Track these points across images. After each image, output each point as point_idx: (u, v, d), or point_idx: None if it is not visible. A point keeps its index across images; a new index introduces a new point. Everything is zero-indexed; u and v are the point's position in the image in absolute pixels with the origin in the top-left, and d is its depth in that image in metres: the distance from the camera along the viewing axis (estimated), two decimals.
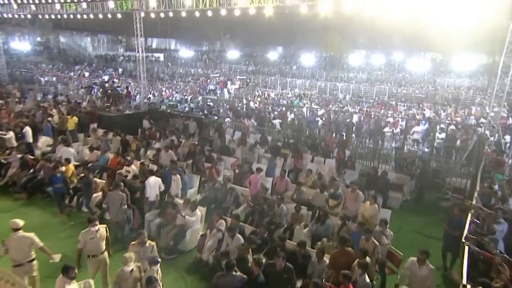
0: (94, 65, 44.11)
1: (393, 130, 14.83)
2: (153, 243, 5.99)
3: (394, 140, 14.45)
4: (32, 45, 45.35)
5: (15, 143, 11.72)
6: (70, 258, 7.07)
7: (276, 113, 17.60)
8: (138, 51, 17.96)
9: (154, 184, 8.66)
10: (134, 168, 10.32)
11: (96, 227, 5.92)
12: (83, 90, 19.81)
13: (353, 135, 14.87)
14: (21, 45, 42.08)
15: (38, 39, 47.49)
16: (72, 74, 31.74)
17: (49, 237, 7.88)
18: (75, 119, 14.11)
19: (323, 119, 16.47)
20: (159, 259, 5.44)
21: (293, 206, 8.19)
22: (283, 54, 58.90)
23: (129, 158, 11.11)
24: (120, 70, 40.98)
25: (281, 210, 8.05)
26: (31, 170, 10.51)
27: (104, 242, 6.04)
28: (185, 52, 53.07)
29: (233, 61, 48.57)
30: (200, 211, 8.02)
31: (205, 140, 13.82)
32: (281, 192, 9.17)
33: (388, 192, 9.67)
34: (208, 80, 28.38)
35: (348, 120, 15.31)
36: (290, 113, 17.62)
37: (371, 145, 14.10)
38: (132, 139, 12.33)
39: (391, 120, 15.98)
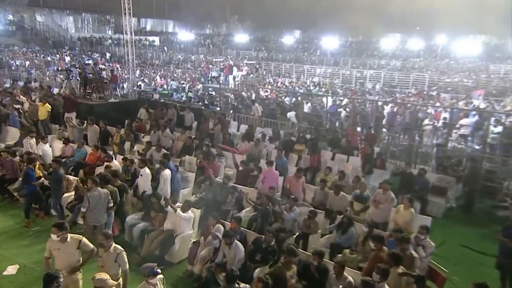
0: (77, 49, 44.43)
1: (434, 123, 14.37)
2: (120, 247, 5.53)
3: (436, 135, 14.00)
4: (2, 24, 45.35)
5: None
6: (31, 269, 6.99)
7: (289, 102, 17.27)
8: (126, 33, 17.83)
9: (148, 177, 8.70)
10: (116, 163, 10.14)
11: (63, 236, 5.35)
12: (59, 74, 19.85)
13: (383, 129, 14.44)
14: None
15: (10, 17, 47.51)
16: (49, 58, 31.92)
17: (7, 245, 7.84)
18: (48, 107, 14.00)
19: (347, 110, 16.10)
20: (159, 270, 5.13)
21: (308, 210, 7.88)
22: (301, 39, 58.72)
23: (111, 152, 11.00)
24: (108, 55, 41.22)
25: (289, 216, 7.77)
26: None
27: (77, 257, 5.47)
28: (185, 35, 52.97)
29: (241, 46, 48.46)
30: (193, 214, 7.75)
31: (204, 134, 13.61)
32: (297, 195, 8.90)
33: (427, 196, 9.26)
34: (210, 66, 28.22)
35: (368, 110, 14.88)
36: (307, 103, 17.29)
37: (406, 142, 13.67)
38: (114, 131, 12.15)
39: (431, 111, 15.51)
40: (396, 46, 44.60)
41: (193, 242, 7.30)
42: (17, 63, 29.93)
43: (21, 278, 6.80)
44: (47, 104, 14.13)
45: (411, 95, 22.56)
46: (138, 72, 28.72)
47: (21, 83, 20.28)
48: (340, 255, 6.85)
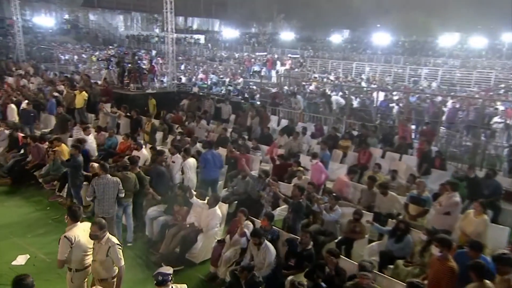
0: (124, 46, 45.47)
1: (506, 120, 12.64)
2: (114, 240, 4.70)
3: (508, 135, 12.28)
4: (59, 23, 47.64)
5: None
6: (40, 261, 6.42)
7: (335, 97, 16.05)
8: (167, 30, 17.37)
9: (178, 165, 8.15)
10: (144, 153, 9.57)
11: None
12: (101, 64, 19.87)
13: (442, 127, 12.89)
14: (46, 20, 44.29)
15: (66, 16, 49.87)
16: (97, 53, 32.64)
17: (23, 233, 7.38)
18: (84, 95, 13.74)
19: (400, 105, 14.64)
20: (171, 277, 4.28)
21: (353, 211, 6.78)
22: (350, 38, 56.85)
23: (141, 141, 10.46)
24: (154, 52, 41.72)
25: (329, 217, 6.72)
26: (21, 151, 10.20)
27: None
28: (230, 33, 52.88)
29: (286, 45, 47.44)
30: (221, 210, 6.88)
31: (241, 127, 12.79)
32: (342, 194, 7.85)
33: (499, 202, 7.80)
34: (252, 60, 27.45)
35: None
36: (356, 98, 16.00)
37: (469, 141, 12.08)
38: (145, 119, 11.59)
39: (501, 108, 13.72)
40: (454, 46, 41.73)
41: (218, 240, 6.43)
42: (66, 57, 30.76)
43: (28, 269, 6.21)
44: (83, 92, 13.91)
45: (474, 92, 20.54)
46: (182, 67, 28.80)
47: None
48: (392, 266, 5.71)
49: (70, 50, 33.79)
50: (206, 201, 6.76)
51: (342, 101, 15.37)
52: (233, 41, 51.27)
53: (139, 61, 16.38)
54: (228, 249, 6.10)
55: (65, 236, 4.59)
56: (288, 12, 58.62)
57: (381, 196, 7.34)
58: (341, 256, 5.54)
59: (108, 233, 4.65)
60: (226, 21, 62.71)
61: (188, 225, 6.69)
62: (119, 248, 4.64)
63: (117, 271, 4.68)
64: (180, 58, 34.45)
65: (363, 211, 6.85)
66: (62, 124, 11.62)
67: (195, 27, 61.90)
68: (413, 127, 13.16)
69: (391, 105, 14.69)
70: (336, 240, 6.50)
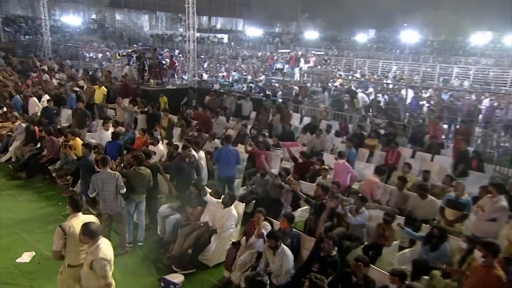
0: (149, 45, 45.79)
1: None
2: (101, 253, 3.90)
3: None
4: (86, 23, 48.63)
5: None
6: (45, 259, 6.02)
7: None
8: (188, 29, 17.04)
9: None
10: (161, 148, 9.19)
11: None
12: (123, 60, 19.69)
13: (477, 126, 12.00)
14: (73, 19, 45.29)
15: (93, 16, 50.84)
16: (121, 51, 32.78)
17: (32, 228, 7.08)
18: (104, 90, 13.57)
19: (431, 103, 13.76)
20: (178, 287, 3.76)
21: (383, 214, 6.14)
22: (375, 38, 55.49)
23: (158, 137, 10.11)
24: (177, 51, 41.73)
25: (354, 220, 6.11)
26: (38, 145, 10.00)
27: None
28: (253, 32, 52.56)
29: (311, 44, 46.60)
30: (237, 210, 6.37)
31: (262, 124, 12.28)
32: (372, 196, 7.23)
33: None
34: (275, 58, 26.81)
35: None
36: (383, 96, 15.21)
37: (508, 143, 11.18)
38: (163, 114, 11.23)
39: None
40: (487, 45, 40.00)
41: (233, 243, 5.91)
42: (91, 55, 31.02)
43: (33, 267, 5.89)
44: (103, 87, 13.72)
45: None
46: (205, 65, 28.50)
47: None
48: (426, 277, 5.07)
49: (95, 48, 34.07)
50: (221, 200, 6.27)
51: (367, 98, 14.66)
52: (256, 40, 50.82)
53: (159, 57, 16.06)
54: (243, 252, 5.57)
55: (59, 226, 4.21)
56: (312, 11, 57.59)
57: (418, 199, 6.66)
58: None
59: (99, 242, 3.95)
60: (250, 21, 62.44)
61: (202, 224, 6.22)
62: (106, 263, 3.88)
63: None
64: (202, 56, 34.27)
65: (395, 214, 6.20)
66: (80, 119, 11.37)
67: (218, 26, 61.74)
68: (445, 126, 12.38)
69: (421, 103, 13.84)
70: (362, 246, 5.90)
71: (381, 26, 56.22)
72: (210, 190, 6.39)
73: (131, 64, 16.93)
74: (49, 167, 9.28)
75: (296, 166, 8.55)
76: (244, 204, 6.72)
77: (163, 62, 16.45)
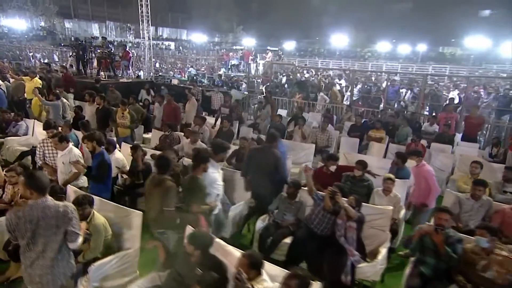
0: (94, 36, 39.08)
1: None
2: None
3: None
4: (34, 29, 40.74)
5: None
6: None
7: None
8: (142, 22, 12.81)
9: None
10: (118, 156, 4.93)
11: None
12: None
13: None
14: (20, 24, 37.18)
15: (42, 24, 42.72)
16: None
17: None
18: (38, 82, 8.65)
19: (414, 91, 10.26)
20: None
21: None
22: (298, 47, 54.21)
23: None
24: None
25: None
26: None
27: None
28: (199, 38, 49.04)
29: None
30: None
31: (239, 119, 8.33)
32: None
33: None
34: (231, 54, 22.60)
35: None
36: (356, 85, 11.81)
37: None
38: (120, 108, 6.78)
39: None
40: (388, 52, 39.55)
41: None
42: (38, 56, 24.24)
43: None
44: (36, 78, 8.76)
45: None
46: (157, 65, 23.43)
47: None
48: None
49: (40, 48, 27.00)
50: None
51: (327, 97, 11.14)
52: (200, 47, 46.77)
53: (110, 45, 11.29)
54: None
55: None
56: (246, 23, 55.88)
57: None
58: None
59: None
60: (192, 31, 58.43)
61: None
62: None
63: None
64: (153, 60, 28.93)
65: None
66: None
67: (165, 35, 56.75)
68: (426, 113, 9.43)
69: (401, 90, 10.74)
70: None
71: (302, 37, 55.61)
72: None
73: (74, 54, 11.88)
74: None
75: (321, 177, 4.74)
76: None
77: (115, 52, 11.65)
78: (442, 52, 40.76)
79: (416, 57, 35.58)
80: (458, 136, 7.25)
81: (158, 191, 3.10)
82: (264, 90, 11.01)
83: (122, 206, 3.53)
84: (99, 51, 10.93)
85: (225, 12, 52.89)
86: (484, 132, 7.80)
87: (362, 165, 4.38)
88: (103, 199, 3.57)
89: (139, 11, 13.36)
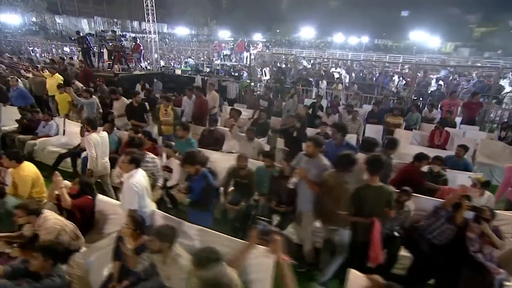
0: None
1: None
2: None
3: None
4: (27, 25, 34.83)
5: None
6: None
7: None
8: (148, 22, 11.24)
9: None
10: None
11: None
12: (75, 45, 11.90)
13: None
14: (14, 19, 31.39)
15: (34, 19, 36.60)
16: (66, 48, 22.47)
17: None
18: (59, 78, 6.72)
19: (407, 79, 9.25)
20: None
21: None
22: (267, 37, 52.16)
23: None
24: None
25: None
26: None
27: None
28: (180, 30, 45.38)
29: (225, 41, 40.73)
30: None
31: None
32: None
33: None
34: (223, 45, 20.38)
35: None
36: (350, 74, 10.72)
37: None
38: (163, 104, 5.28)
39: None
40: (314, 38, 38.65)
41: None
42: (37, 50, 20.39)
43: None
44: (57, 74, 6.81)
45: None
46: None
47: None
48: None
49: (39, 43, 22.90)
50: None
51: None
52: (181, 39, 43.45)
53: (122, 38, 9.19)
54: None
55: None
56: (218, 19, 52.55)
57: None
58: None
59: None
60: (172, 25, 53.70)
61: None
62: None
63: None
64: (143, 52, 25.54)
65: None
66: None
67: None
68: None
69: (394, 78, 9.84)
70: None
71: (264, 30, 53.58)
72: None
73: (85, 47, 9.59)
74: None
75: (412, 174, 3.55)
76: None
77: (125, 45, 9.56)
78: (377, 43, 40.81)
79: (360, 47, 35.19)
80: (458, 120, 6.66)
81: (339, 190, 2.21)
82: (268, 79, 9.66)
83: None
84: (111, 44, 8.87)
85: (200, 8, 49.84)
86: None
87: (440, 160, 3.53)
88: (220, 233, 2.36)
89: (144, 8, 11.95)
